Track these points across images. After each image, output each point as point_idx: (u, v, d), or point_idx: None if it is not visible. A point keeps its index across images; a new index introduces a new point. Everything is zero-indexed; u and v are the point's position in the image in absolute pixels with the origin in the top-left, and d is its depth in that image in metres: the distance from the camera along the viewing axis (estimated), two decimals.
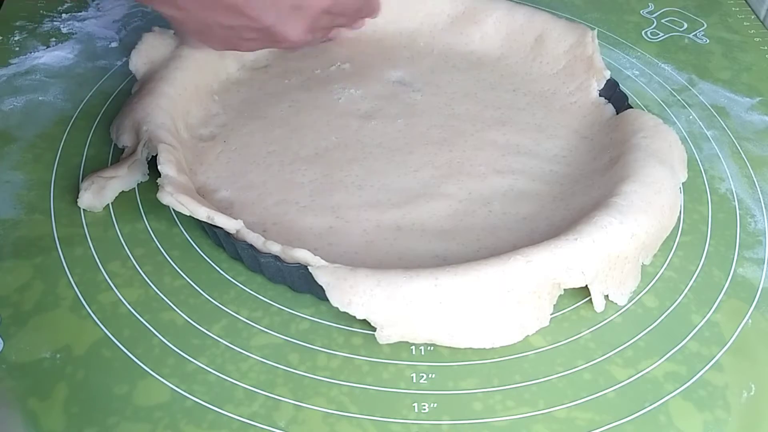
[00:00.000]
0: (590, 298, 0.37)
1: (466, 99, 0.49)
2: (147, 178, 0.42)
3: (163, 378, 0.34)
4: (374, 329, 0.34)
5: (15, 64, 0.53)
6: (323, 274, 0.34)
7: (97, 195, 0.41)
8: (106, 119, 0.48)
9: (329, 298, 0.34)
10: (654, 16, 0.61)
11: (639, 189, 0.38)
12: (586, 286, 0.36)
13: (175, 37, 0.49)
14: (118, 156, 0.44)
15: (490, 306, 0.34)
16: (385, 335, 0.34)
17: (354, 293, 0.33)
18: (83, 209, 0.41)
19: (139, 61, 0.48)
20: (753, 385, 0.34)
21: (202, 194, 0.41)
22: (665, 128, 0.43)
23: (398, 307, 0.33)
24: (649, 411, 0.33)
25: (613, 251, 0.36)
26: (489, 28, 0.53)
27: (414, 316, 0.33)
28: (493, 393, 0.33)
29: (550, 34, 0.51)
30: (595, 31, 0.49)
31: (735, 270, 0.39)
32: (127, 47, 0.55)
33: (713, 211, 0.43)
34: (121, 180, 0.41)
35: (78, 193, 0.42)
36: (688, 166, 0.43)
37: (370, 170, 0.43)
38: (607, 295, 0.37)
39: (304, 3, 0.41)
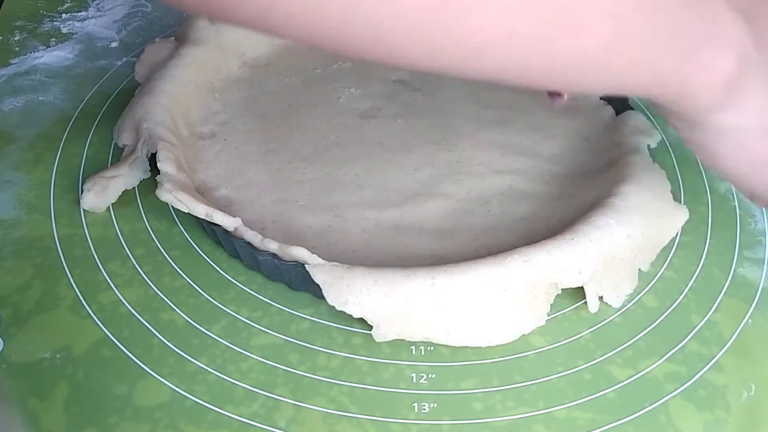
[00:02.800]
0: None
1: (466, 99, 0.49)
2: (149, 175, 0.42)
3: (163, 378, 0.34)
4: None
5: (15, 64, 0.53)
6: (320, 272, 0.34)
7: (100, 195, 0.41)
8: (106, 119, 0.48)
9: (326, 297, 0.34)
10: None
11: (636, 190, 0.38)
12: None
13: (176, 43, 0.49)
14: (118, 156, 0.44)
15: (487, 305, 0.34)
16: (382, 333, 0.34)
17: (350, 292, 0.33)
18: (83, 209, 0.41)
19: (143, 70, 0.48)
20: (753, 385, 0.34)
21: (202, 192, 0.41)
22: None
23: (395, 306, 0.33)
24: (649, 411, 0.33)
25: (609, 252, 0.35)
26: None
27: (411, 314, 0.33)
28: (493, 393, 0.33)
29: None
30: None
31: (735, 270, 0.39)
32: (127, 47, 0.55)
33: (713, 211, 0.43)
34: (124, 178, 0.41)
35: (78, 193, 0.42)
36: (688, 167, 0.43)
37: (370, 169, 0.43)
38: (602, 297, 0.37)
39: None
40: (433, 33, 0.22)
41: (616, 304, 0.37)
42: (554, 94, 0.34)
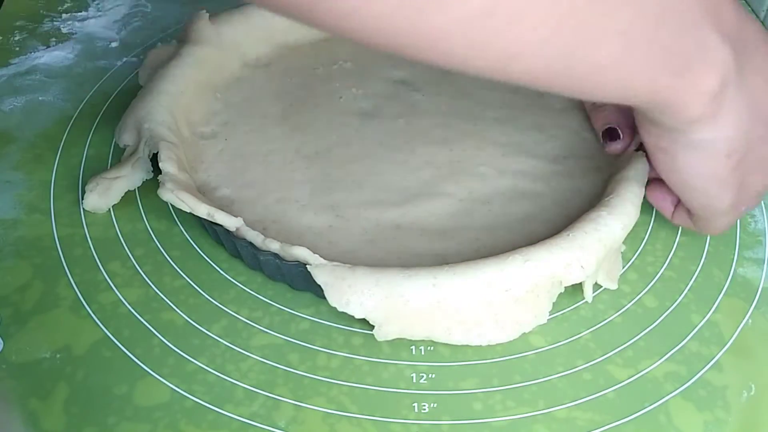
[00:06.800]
0: None
1: (467, 99, 0.49)
2: (151, 175, 0.42)
3: (163, 378, 0.34)
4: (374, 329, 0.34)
5: (15, 64, 0.53)
6: (322, 273, 0.34)
7: (102, 196, 0.41)
8: (106, 119, 0.48)
9: (327, 298, 0.34)
10: None
11: (635, 188, 0.38)
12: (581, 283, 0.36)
13: (177, 45, 0.49)
14: (119, 156, 0.44)
15: (489, 305, 0.34)
16: (383, 333, 0.34)
17: (352, 293, 0.33)
18: (84, 209, 0.41)
19: (145, 74, 0.48)
20: (753, 385, 0.34)
21: (203, 192, 0.41)
22: None
23: (396, 306, 0.33)
24: (649, 411, 0.33)
25: (608, 243, 0.36)
26: None
27: (412, 314, 0.34)
28: (493, 393, 0.33)
29: None
30: None
31: (735, 270, 0.39)
32: (127, 47, 0.55)
33: None
34: (126, 179, 0.41)
35: (78, 193, 0.42)
36: None
37: (371, 169, 0.43)
38: (598, 283, 0.37)
39: None
40: (480, 39, 0.26)
41: (613, 287, 0.37)
42: (612, 138, 0.41)
